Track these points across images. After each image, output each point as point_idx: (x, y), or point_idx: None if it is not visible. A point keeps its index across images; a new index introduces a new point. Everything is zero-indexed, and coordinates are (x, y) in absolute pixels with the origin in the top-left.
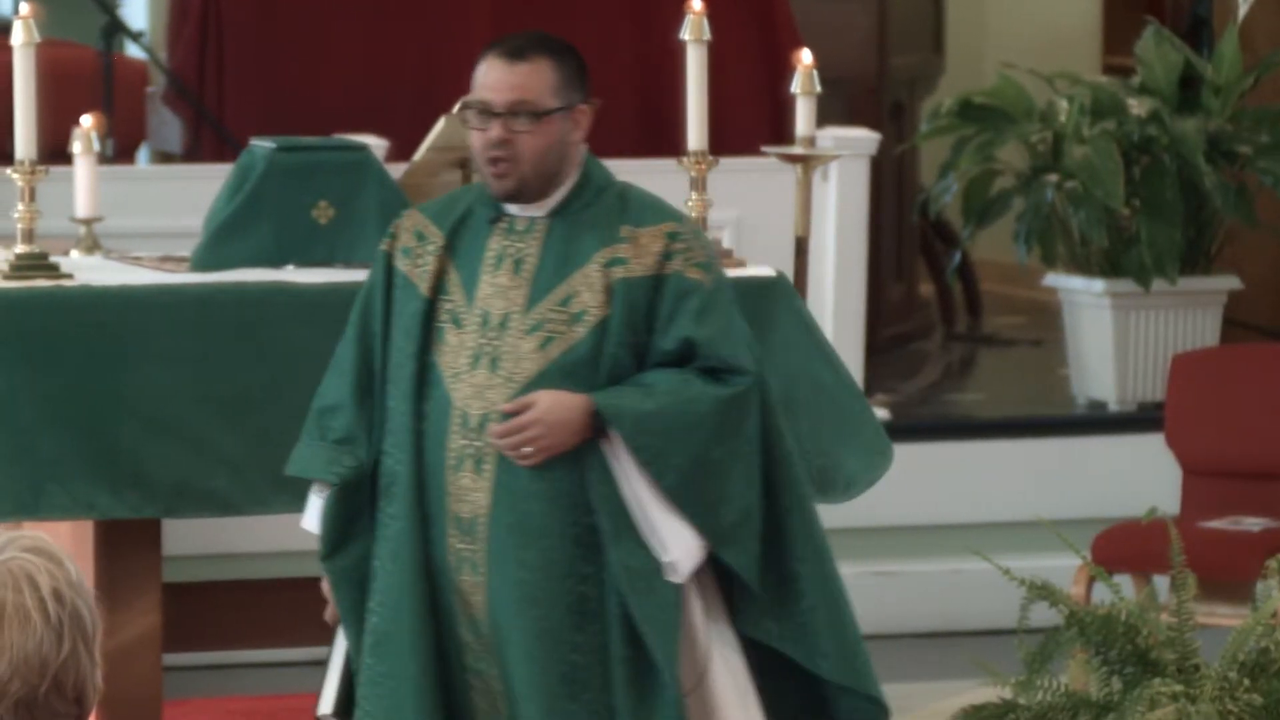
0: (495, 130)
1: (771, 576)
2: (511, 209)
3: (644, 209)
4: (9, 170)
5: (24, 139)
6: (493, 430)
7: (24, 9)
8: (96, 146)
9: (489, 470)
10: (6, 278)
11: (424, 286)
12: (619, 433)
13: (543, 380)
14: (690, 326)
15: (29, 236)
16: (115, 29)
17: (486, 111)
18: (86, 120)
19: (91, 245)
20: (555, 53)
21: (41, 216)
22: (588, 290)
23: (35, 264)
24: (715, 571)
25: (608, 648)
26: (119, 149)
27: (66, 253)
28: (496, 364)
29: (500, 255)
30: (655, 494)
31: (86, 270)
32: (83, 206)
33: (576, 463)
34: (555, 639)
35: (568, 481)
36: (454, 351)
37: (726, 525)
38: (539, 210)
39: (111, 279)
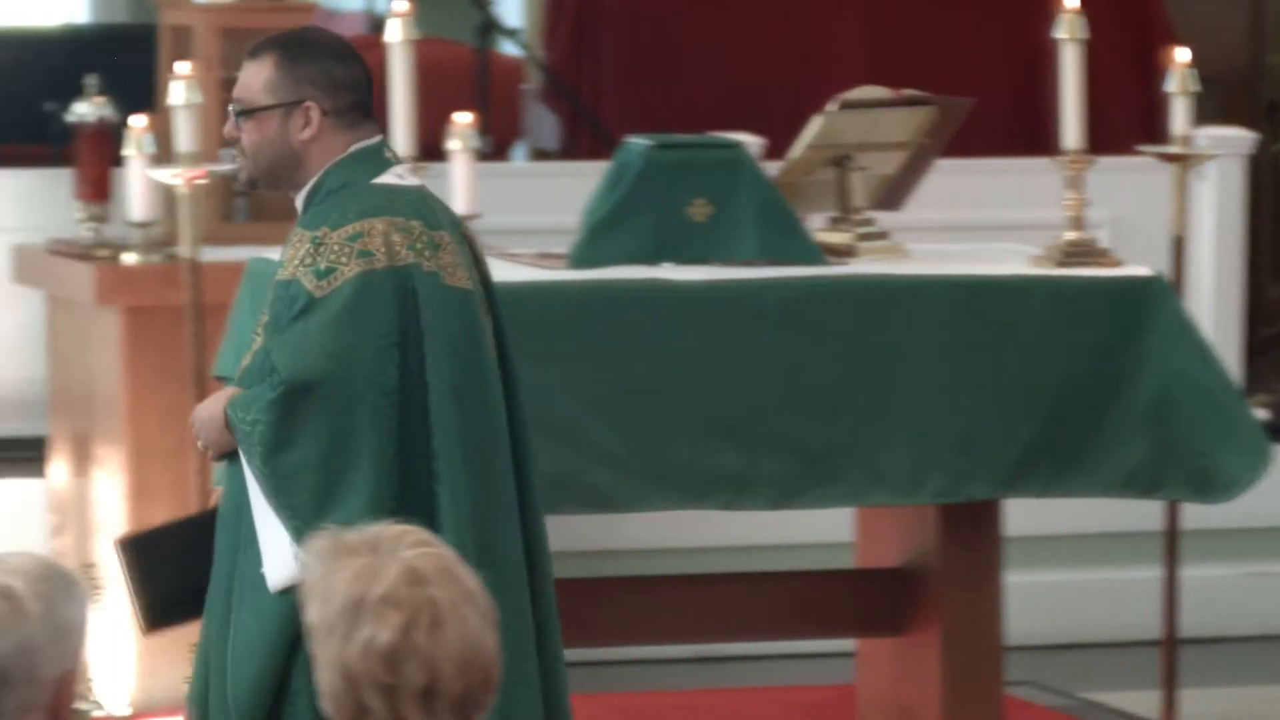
0: (227, 125)
1: None
2: None
3: (337, 213)
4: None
5: (402, 135)
6: None
7: (401, 6)
8: (473, 143)
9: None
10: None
11: None
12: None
13: (243, 380)
14: (274, 332)
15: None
16: (490, 26)
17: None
18: (463, 117)
19: None
20: (282, 49)
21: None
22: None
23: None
24: None
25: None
26: (495, 146)
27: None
28: None
29: None
30: (260, 499)
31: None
32: (460, 203)
33: None
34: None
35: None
36: None
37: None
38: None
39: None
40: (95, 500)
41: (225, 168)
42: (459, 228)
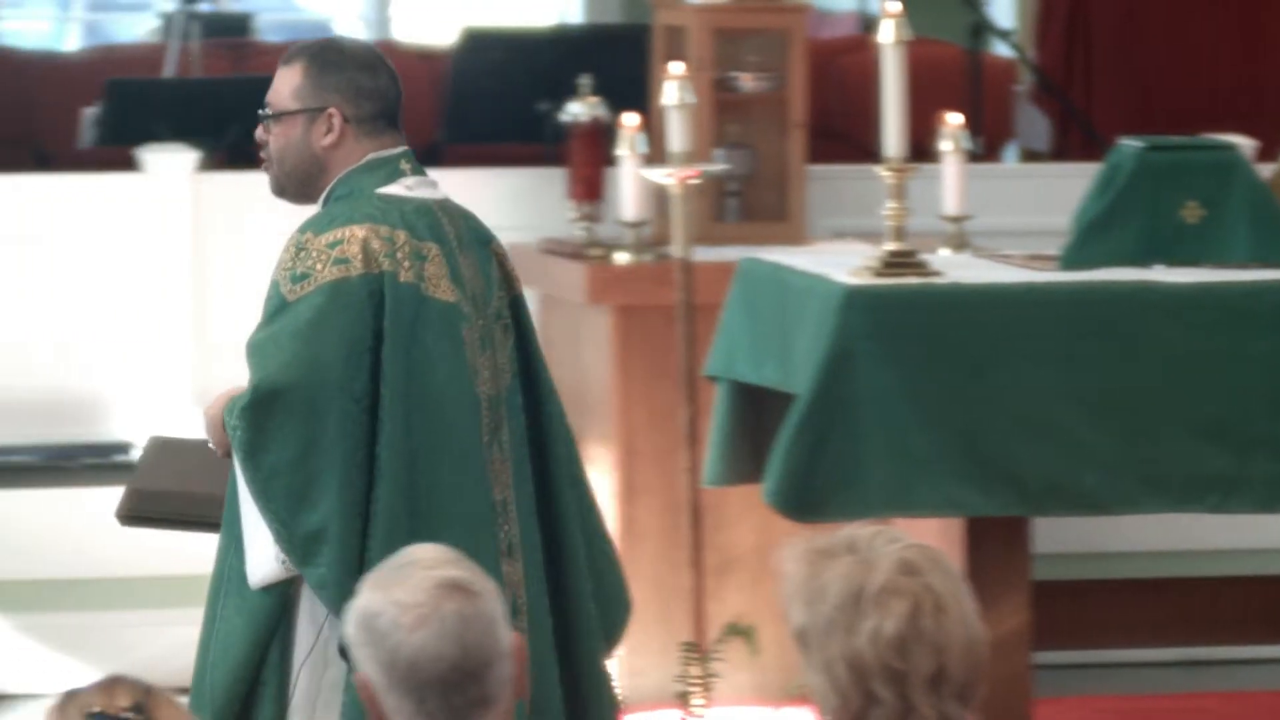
0: (258, 129)
1: None
2: None
3: (326, 218)
4: (878, 167)
5: (892, 136)
6: None
7: (894, 7)
8: (964, 144)
9: None
10: (877, 274)
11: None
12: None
13: None
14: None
15: (898, 234)
16: (983, 27)
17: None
18: (954, 118)
19: (960, 243)
20: (312, 57)
21: (909, 214)
22: None
23: (905, 261)
24: None
25: None
26: (986, 147)
27: (934, 250)
28: None
29: None
30: (246, 499)
31: (955, 267)
32: (951, 204)
33: None
34: None
35: None
36: None
37: (298, 541)
38: None
39: (981, 276)
40: None
41: (717, 168)
42: (486, 245)
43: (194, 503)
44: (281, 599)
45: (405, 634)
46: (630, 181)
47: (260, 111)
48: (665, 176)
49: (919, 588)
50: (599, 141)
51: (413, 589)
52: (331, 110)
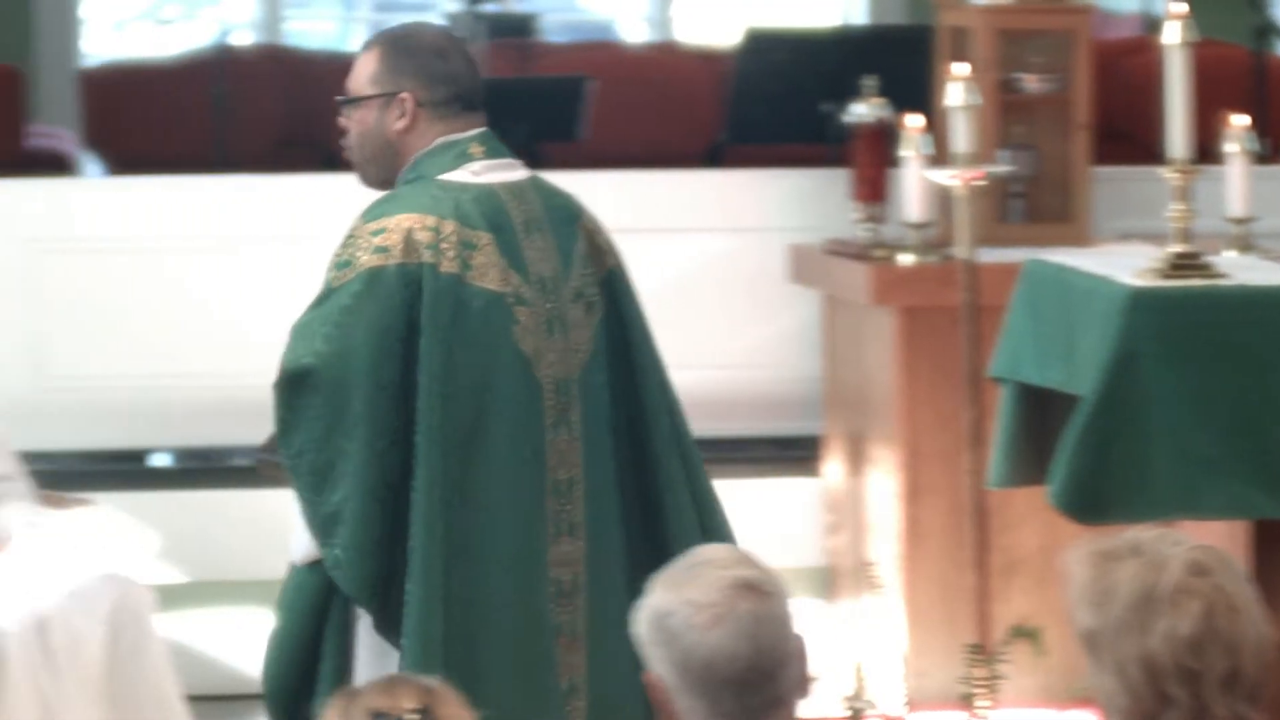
0: (341, 117)
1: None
2: None
3: (379, 207)
4: (1163, 169)
5: (1177, 138)
6: None
7: (1178, 9)
8: (1249, 146)
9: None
10: (1163, 276)
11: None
12: None
13: None
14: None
15: (1184, 236)
16: (1267, 29)
17: None
18: (1240, 120)
19: (1245, 244)
20: (388, 43)
21: (1195, 216)
22: None
23: (1190, 263)
24: None
25: None
26: (1271, 148)
27: (1219, 252)
28: None
29: None
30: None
31: (1241, 269)
32: (1236, 205)
33: None
34: None
35: None
36: None
37: (319, 520)
38: None
39: (1267, 278)
40: (869, 500)
41: (1002, 169)
42: (574, 222)
43: None
44: (327, 577)
45: (700, 634)
46: (914, 183)
47: (338, 99)
48: (949, 178)
49: (1210, 588)
50: (882, 142)
51: (706, 588)
52: (404, 95)
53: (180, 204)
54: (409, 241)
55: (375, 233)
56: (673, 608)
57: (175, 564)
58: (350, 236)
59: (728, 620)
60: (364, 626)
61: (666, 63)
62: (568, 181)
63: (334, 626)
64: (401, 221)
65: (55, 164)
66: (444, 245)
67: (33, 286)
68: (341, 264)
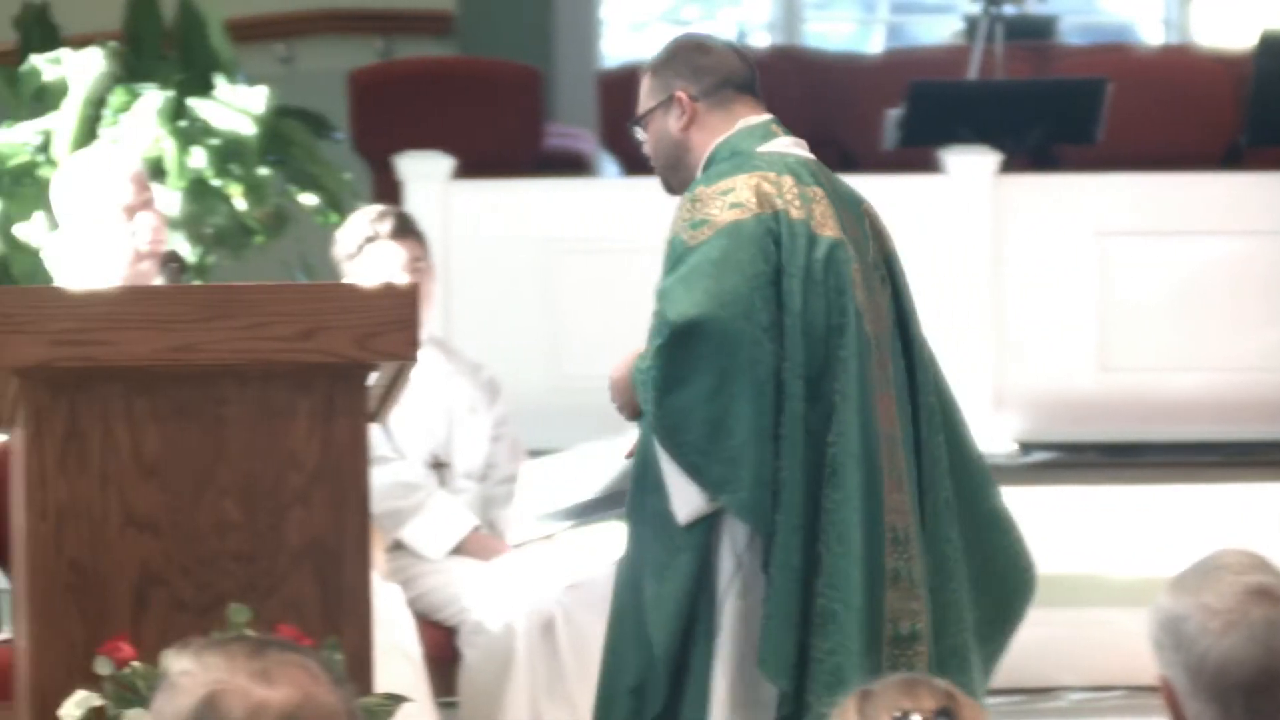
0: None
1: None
2: None
3: (714, 173)
4: None
5: None
6: None
7: None
8: None
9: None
10: None
11: None
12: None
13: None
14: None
15: None
16: None
17: None
18: None
19: None
20: (653, 60)
21: None
22: None
23: None
24: None
25: None
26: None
27: None
28: None
29: None
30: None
31: None
32: None
33: None
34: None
35: None
36: None
37: (716, 469)
38: None
39: None
40: None
41: None
42: (857, 205)
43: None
44: (705, 535)
45: (1213, 639)
46: None
47: (629, 123)
48: None
49: None
50: None
51: (1222, 594)
52: (678, 93)
53: None
54: (760, 193)
55: (724, 192)
56: (1188, 612)
57: None
58: (694, 200)
59: (1241, 626)
60: (724, 576)
61: (1182, 64)
62: (1081, 183)
63: (704, 584)
64: (747, 180)
65: (574, 164)
66: (789, 195)
67: (550, 287)
68: (696, 223)
